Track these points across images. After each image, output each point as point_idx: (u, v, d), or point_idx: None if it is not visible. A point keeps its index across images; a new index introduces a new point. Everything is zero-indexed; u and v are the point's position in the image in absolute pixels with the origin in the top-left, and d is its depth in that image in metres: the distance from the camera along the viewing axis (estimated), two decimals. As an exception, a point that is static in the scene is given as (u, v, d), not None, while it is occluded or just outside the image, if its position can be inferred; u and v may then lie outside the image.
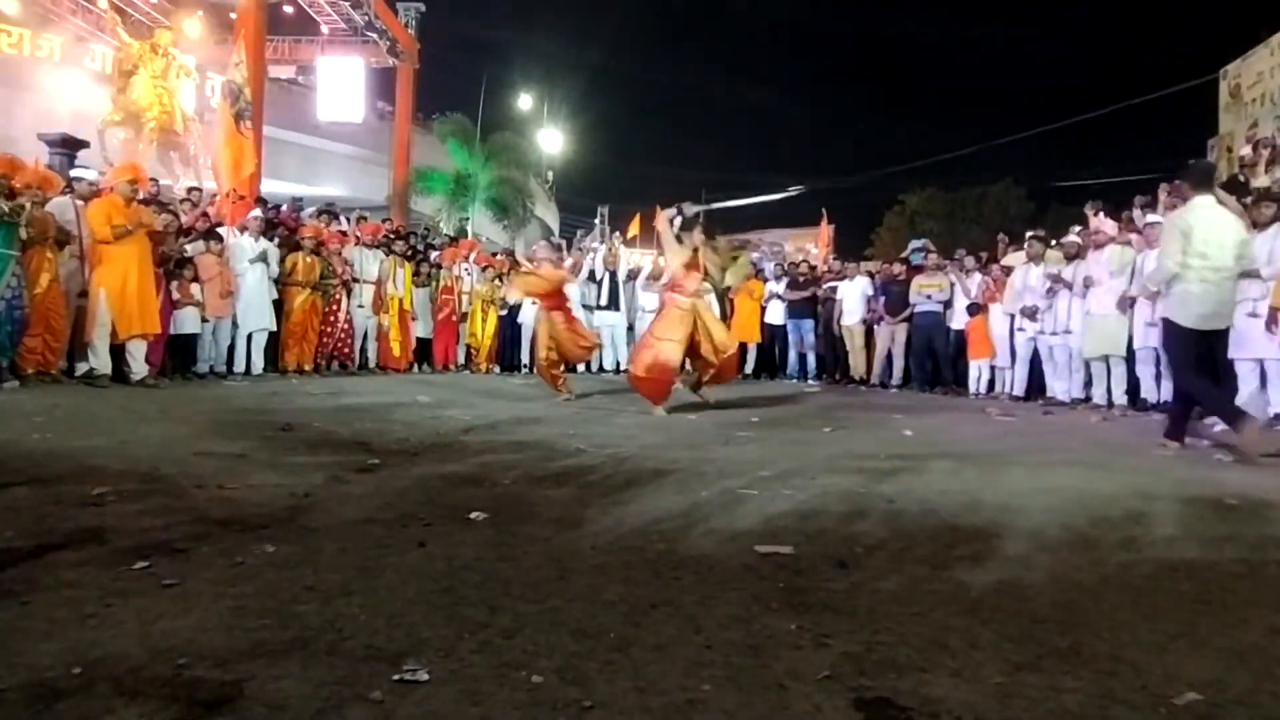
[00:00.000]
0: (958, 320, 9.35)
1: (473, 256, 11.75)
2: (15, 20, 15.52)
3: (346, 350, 9.49)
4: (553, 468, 3.57)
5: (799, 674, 1.45)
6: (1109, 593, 1.97)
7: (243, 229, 8.45)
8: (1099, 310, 7.26)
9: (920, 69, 73.94)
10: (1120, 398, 7.20)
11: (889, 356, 10.21)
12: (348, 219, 11.62)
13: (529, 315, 10.91)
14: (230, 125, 9.87)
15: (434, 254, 11.60)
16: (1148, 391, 7.00)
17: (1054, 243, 8.70)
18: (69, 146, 10.57)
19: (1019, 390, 8.52)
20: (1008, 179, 32.02)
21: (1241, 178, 8.24)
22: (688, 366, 6.71)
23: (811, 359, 11.29)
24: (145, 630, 1.56)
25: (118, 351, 6.63)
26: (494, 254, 12.79)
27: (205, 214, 8.57)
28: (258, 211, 8.85)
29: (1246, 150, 9.82)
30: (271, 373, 8.56)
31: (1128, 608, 1.86)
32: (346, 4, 18.89)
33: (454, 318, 11.02)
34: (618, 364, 11.33)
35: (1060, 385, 7.97)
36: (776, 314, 11.43)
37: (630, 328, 11.62)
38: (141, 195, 7.20)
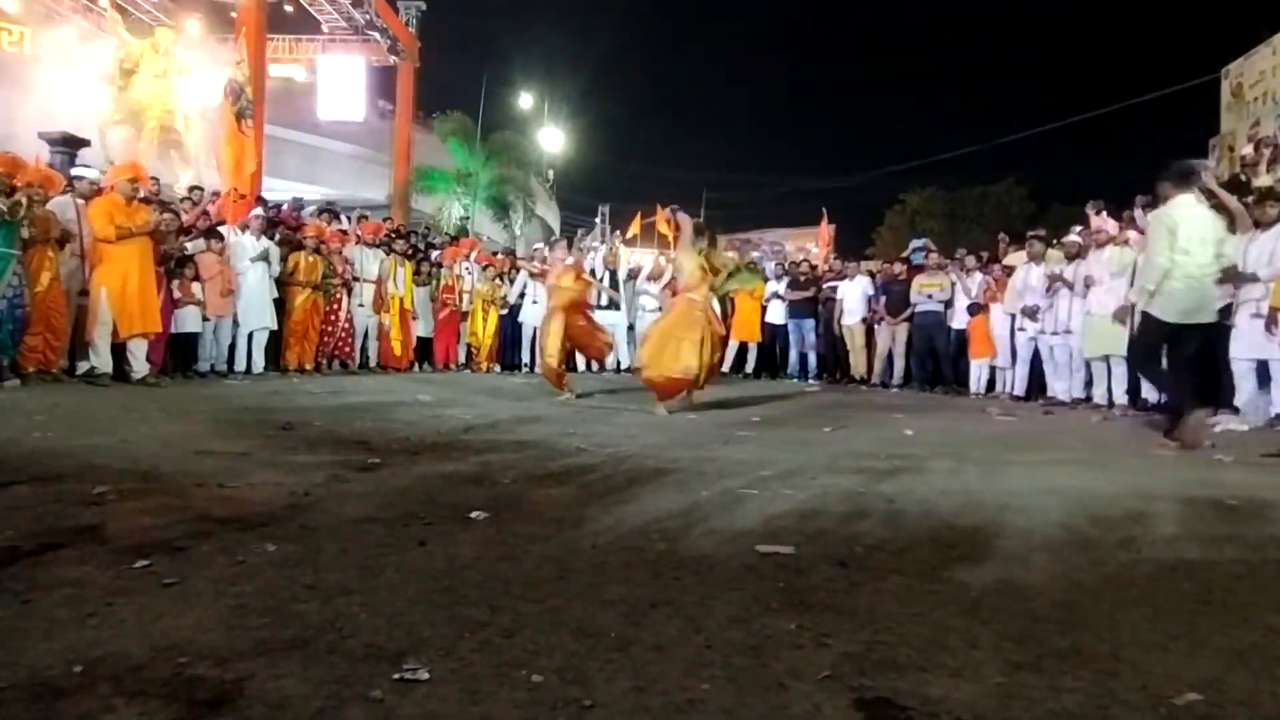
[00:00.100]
0: (958, 320, 9.35)
1: (473, 255, 11.75)
2: (16, 19, 15.54)
3: (347, 349, 9.50)
4: (553, 467, 3.57)
5: (799, 674, 1.45)
6: (1109, 593, 1.97)
7: (244, 228, 8.46)
8: (1099, 310, 7.24)
9: (921, 68, 74.03)
10: (1121, 398, 7.19)
11: (890, 356, 10.21)
12: (348, 218, 11.61)
13: (530, 314, 10.93)
14: (231, 124, 9.86)
15: (434, 253, 11.60)
16: (1148, 391, 6.99)
17: (1055, 242, 8.69)
18: (70, 145, 10.53)
19: (1019, 390, 8.52)
20: (1009, 178, 32.03)
21: (1243, 177, 8.21)
22: None
23: (812, 358, 11.29)
24: (146, 629, 1.56)
25: (119, 350, 6.64)
26: (494, 253, 12.79)
27: (206, 212, 8.57)
28: (259, 210, 8.86)
29: (1248, 149, 9.79)
30: (272, 372, 8.57)
31: (1128, 608, 1.86)
32: (347, 2, 18.91)
33: (455, 316, 11.02)
34: (618, 363, 11.33)
35: (1061, 385, 7.96)
36: (777, 313, 11.43)
37: (631, 327, 11.62)
38: (142, 194, 7.19)
